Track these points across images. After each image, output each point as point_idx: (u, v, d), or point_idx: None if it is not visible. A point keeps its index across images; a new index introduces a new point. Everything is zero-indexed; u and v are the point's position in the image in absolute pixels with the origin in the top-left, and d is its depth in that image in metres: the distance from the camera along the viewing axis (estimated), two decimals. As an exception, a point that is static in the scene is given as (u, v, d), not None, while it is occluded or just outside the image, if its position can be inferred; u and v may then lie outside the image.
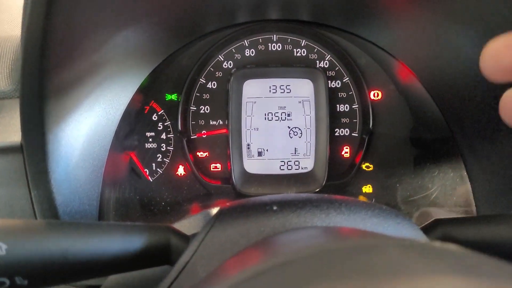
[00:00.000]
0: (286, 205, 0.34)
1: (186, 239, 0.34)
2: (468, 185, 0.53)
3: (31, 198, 0.43)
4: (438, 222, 0.37)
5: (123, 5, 0.41)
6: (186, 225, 0.37)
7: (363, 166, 0.63)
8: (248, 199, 0.36)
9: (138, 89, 0.57)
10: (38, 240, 0.29)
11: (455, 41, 0.47)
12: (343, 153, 0.62)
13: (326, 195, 0.35)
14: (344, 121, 0.62)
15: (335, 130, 0.62)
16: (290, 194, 0.41)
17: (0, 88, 0.43)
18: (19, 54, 0.45)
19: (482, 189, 0.52)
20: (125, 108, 0.55)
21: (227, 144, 0.60)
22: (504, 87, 0.29)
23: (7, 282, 0.28)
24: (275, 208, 0.34)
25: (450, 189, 0.55)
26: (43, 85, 0.39)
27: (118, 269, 0.31)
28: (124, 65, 0.51)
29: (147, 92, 0.60)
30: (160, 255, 0.33)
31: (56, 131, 0.42)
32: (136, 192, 0.61)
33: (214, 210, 0.35)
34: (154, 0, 0.45)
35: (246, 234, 0.33)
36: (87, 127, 0.47)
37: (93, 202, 0.49)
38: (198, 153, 0.61)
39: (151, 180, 0.61)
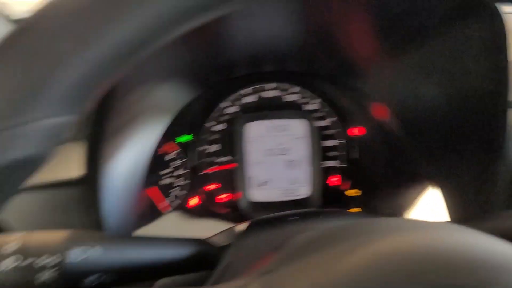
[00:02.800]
0: (304, 215, 0.43)
1: (220, 249, 0.42)
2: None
3: (84, 224, 0.51)
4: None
5: (159, 68, 0.52)
6: (215, 239, 0.45)
7: (352, 192, 0.73)
8: (270, 215, 0.45)
9: (158, 133, 0.67)
10: (114, 248, 0.37)
11: (423, 87, 0.59)
12: (333, 181, 0.72)
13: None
14: (333, 154, 0.72)
15: (324, 162, 0.72)
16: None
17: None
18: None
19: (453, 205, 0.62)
20: (151, 150, 0.65)
21: (234, 177, 0.69)
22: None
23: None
24: (295, 218, 0.43)
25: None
26: (103, 130, 0.49)
27: (168, 274, 0.40)
28: (153, 115, 0.62)
29: (164, 135, 0.69)
30: (199, 263, 0.41)
31: (107, 168, 0.51)
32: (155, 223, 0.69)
33: (239, 227, 0.44)
34: (178, 61, 0.56)
35: (273, 241, 0.42)
36: (126, 166, 0.56)
37: (130, 232, 0.58)
38: (208, 186, 0.71)
39: (166, 213, 0.70)
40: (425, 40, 0.53)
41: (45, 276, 0.29)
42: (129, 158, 0.58)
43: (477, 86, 0.52)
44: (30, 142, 0.19)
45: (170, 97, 0.63)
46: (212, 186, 0.71)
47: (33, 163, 0.20)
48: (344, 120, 0.72)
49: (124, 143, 0.55)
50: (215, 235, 0.46)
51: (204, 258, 0.41)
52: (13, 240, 0.30)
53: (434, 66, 0.54)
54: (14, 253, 0.29)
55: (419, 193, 0.68)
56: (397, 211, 0.69)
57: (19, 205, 0.51)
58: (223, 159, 0.71)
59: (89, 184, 0.51)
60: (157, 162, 0.70)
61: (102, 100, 0.46)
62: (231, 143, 0.70)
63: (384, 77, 0.63)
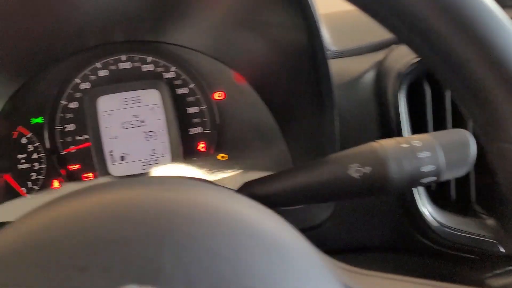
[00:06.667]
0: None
1: None
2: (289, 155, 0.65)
3: None
4: (247, 184, 0.47)
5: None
6: None
7: (219, 157, 0.73)
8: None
9: (1, 115, 0.64)
10: None
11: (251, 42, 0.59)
12: (199, 147, 0.72)
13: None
14: (196, 121, 0.72)
15: (189, 129, 0.72)
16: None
17: None
18: None
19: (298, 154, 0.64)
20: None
21: (92, 155, 0.68)
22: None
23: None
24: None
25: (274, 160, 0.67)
26: None
27: None
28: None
29: (12, 118, 0.67)
30: None
31: None
32: (16, 209, 0.67)
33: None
34: (6, 30, 0.53)
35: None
36: None
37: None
38: (70, 167, 0.69)
39: (29, 197, 0.68)
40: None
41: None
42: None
43: (293, 39, 0.53)
44: None
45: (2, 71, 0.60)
46: (72, 167, 0.69)
47: None
48: (203, 86, 0.72)
49: None
50: None
51: None
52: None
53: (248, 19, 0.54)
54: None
55: (280, 153, 0.70)
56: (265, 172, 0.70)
57: None
58: (80, 138, 0.69)
59: None
60: (10, 147, 0.67)
61: None
62: (86, 120, 0.68)
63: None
